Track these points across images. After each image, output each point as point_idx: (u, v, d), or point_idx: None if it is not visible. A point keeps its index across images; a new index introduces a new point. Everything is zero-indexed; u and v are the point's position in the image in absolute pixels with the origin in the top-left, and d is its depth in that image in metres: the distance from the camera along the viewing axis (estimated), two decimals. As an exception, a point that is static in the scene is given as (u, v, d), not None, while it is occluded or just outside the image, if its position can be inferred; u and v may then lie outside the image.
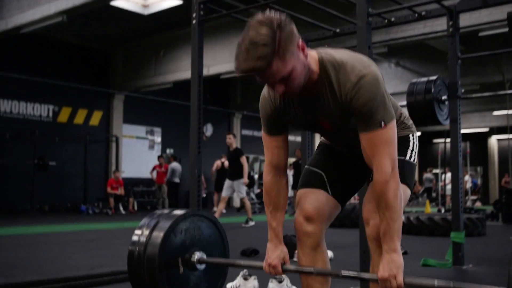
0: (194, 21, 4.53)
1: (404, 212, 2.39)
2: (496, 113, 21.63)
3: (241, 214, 12.78)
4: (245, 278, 3.44)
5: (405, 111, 2.34)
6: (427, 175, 20.69)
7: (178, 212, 2.36)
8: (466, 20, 8.33)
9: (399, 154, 1.97)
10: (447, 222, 7.40)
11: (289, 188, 12.89)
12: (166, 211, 2.40)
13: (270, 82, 1.79)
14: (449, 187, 14.06)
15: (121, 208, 14.58)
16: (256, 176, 18.51)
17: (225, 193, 9.45)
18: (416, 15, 4.87)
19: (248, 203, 9.75)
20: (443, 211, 11.45)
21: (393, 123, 1.88)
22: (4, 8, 11.37)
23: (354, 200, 9.87)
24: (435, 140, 24.59)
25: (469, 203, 16.93)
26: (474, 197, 20.19)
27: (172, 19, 13.10)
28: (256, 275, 3.46)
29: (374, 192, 1.90)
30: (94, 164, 15.82)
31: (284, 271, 2.09)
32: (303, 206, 2.12)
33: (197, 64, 4.53)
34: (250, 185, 17.62)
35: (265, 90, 2.06)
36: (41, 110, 14.73)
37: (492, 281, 4.12)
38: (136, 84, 15.90)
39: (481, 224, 7.84)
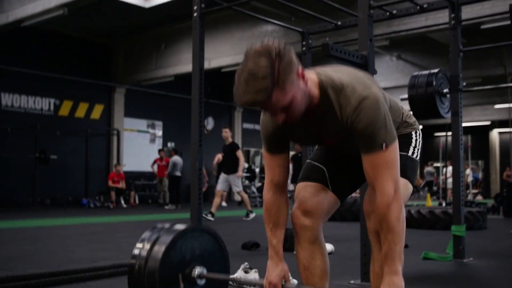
0: (195, 14, 4.51)
1: (406, 206, 2.38)
2: (497, 106, 21.58)
3: (242, 208, 12.79)
4: (246, 271, 3.45)
5: (406, 107, 2.33)
6: (428, 168, 20.69)
7: (179, 226, 2.37)
8: (468, 12, 8.30)
9: (401, 150, 1.96)
10: (448, 216, 7.41)
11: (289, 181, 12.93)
12: (167, 225, 2.41)
13: (271, 112, 1.79)
14: (450, 180, 14.04)
15: (122, 202, 14.61)
16: (257, 170, 18.52)
17: (220, 187, 9.47)
18: (418, 7, 4.85)
19: (245, 196, 9.77)
20: (444, 204, 11.45)
21: (395, 145, 1.86)
22: (5, 1, 11.35)
23: (355, 193, 9.86)
24: (436, 134, 24.55)
25: (470, 197, 16.95)
26: (475, 191, 20.20)
27: (173, 12, 13.07)
28: (257, 269, 3.46)
29: (377, 214, 1.88)
30: (95, 157, 15.84)
31: None
32: (301, 200, 2.12)
33: (198, 58, 4.52)
34: (251, 178, 17.66)
35: None
36: (42, 104, 14.73)
37: (493, 275, 4.13)
38: (137, 77, 15.89)
39: (482, 218, 7.84)
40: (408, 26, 9.90)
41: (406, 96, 4.98)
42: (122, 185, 14.31)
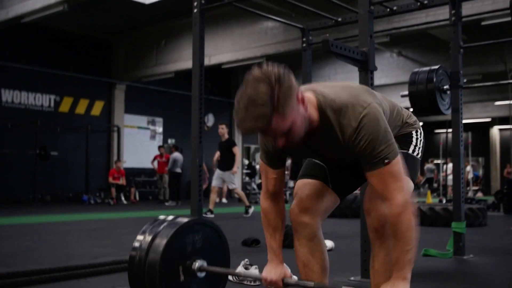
0: (195, 10, 4.50)
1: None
2: (498, 103, 21.55)
3: (242, 205, 12.77)
4: (246, 268, 3.45)
5: (406, 104, 2.33)
6: (429, 165, 20.69)
7: (181, 219, 2.36)
8: (469, 9, 8.27)
9: (401, 149, 1.96)
10: (448, 213, 7.41)
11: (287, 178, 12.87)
12: (169, 217, 2.41)
13: (271, 136, 1.80)
14: (450, 177, 14.05)
15: (123, 198, 14.63)
16: (258, 167, 18.52)
17: (215, 183, 9.49)
18: (418, 3, 4.84)
19: (241, 193, 9.78)
20: (444, 201, 11.47)
21: (398, 159, 1.86)
22: (5, -3, 11.33)
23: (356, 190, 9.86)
24: (437, 130, 24.54)
25: (470, 194, 16.95)
26: (475, 188, 20.19)
27: (173, 8, 13.04)
28: (257, 265, 3.46)
29: (389, 222, 1.88)
30: (95, 154, 15.83)
31: (286, 285, 2.09)
32: (300, 197, 2.12)
33: (199, 54, 4.51)
34: (251, 175, 17.67)
35: None
36: (42, 100, 14.72)
37: (493, 271, 4.14)
38: (138, 74, 15.87)
39: (482, 215, 7.84)
40: (408, 22, 9.88)
41: (406, 92, 4.97)
42: (122, 181, 14.32)
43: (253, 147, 20.57)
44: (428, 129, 24.27)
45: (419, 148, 2.18)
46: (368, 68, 3.55)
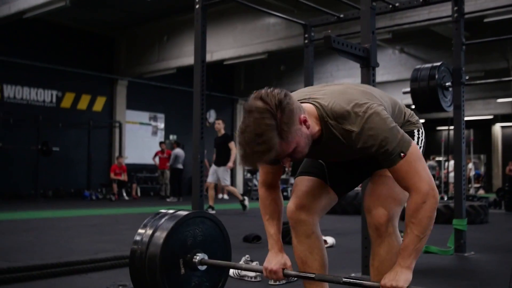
0: (197, 6, 4.50)
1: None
2: (500, 100, 21.49)
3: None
4: (247, 264, 3.45)
5: (408, 101, 2.34)
6: (430, 162, 20.65)
7: (181, 212, 2.36)
8: (471, 5, 8.26)
9: None
10: (449, 210, 7.40)
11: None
12: (170, 211, 2.41)
13: (276, 159, 1.80)
14: (452, 174, 14.04)
15: (124, 194, 14.65)
16: (259, 163, 18.51)
17: (210, 179, 9.49)
18: (421, 0, 4.82)
19: (232, 188, 9.77)
20: (446, 198, 11.45)
21: (413, 147, 1.84)
22: (7, -7, 11.33)
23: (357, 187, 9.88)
24: (439, 128, 24.49)
25: (472, 191, 16.94)
26: (477, 185, 20.17)
27: (175, 4, 13.04)
28: (258, 261, 3.47)
29: (408, 209, 1.84)
30: (97, 150, 15.85)
31: (285, 275, 2.09)
32: (298, 194, 2.13)
33: (200, 50, 4.51)
34: (253, 171, 17.65)
35: None
36: (44, 96, 14.73)
37: (494, 269, 4.14)
38: (140, 69, 15.88)
39: (483, 212, 7.84)
40: (410, 19, 9.86)
41: (408, 89, 4.96)
42: (124, 177, 14.33)
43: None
44: (430, 126, 24.25)
45: (421, 147, 2.18)
46: (370, 65, 3.55)
